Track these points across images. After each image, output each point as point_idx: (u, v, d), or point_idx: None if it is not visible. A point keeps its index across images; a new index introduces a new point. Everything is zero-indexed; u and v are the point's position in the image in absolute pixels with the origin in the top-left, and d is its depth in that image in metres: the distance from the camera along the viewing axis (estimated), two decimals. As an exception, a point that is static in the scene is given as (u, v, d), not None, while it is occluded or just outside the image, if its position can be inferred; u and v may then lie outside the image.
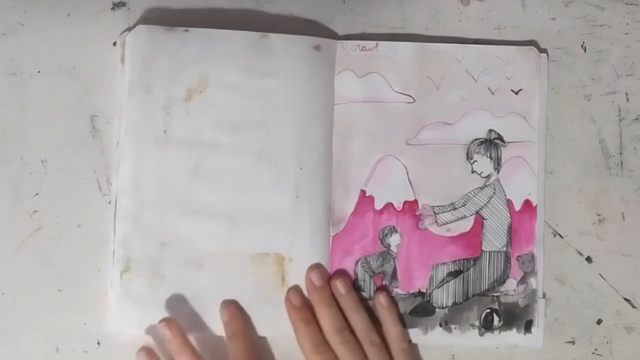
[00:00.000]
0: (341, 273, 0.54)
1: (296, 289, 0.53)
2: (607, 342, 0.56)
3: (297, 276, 0.53)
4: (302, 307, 0.53)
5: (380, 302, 0.54)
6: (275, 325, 0.53)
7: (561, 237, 0.56)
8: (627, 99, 0.57)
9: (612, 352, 0.56)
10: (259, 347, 0.54)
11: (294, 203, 0.53)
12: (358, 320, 0.53)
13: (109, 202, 0.54)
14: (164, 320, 0.51)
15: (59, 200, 0.54)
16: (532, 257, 0.55)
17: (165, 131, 0.53)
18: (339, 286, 0.53)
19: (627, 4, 0.57)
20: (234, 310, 0.52)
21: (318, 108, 0.54)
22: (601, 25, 0.57)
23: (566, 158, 0.56)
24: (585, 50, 0.57)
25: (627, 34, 0.57)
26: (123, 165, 0.53)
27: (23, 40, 0.55)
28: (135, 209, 0.53)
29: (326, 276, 0.54)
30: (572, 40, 0.57)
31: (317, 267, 0.54)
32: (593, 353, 0.56)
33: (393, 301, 0.54)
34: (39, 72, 0.55)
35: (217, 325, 0.53)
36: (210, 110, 0.53)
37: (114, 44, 0.55)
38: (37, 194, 0.54)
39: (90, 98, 0.55)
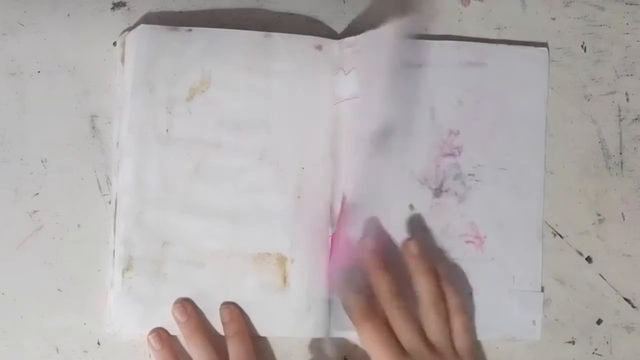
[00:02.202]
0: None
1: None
2: (607, 342, 0.56)
3: (299, 276, 0.53)
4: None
5: (410, 250, 0.52)
6: (275, 325, 0.53)
7: (561, 237, 0.56)
8: (627, 99, 0.57)
9: (612, 352, 0.56)
10: (259, 347, 0.54)
11: (295, 203, 0.53)
12: (427, 284, 0.50)
13: (109, 202, 0.54)
14: (181, 302, 0.52)
15: (59, 200, 0.54)
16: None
17: (167, 130, 0.53)
18: (412, 247, 0.52)
19: (627, 4, 0.57)
20: (235, 311, 0.52)
21: (319, 108, 0.54)
22: (601, 25, 0.57)
23: (566, 158, 0.56)
24: (585, 50, 0.57)
25: (627, 34, 0.57)
26: (125, 163, 0.53)
27: (23, 40, 0.55)
28: (137, 207, 0.53)
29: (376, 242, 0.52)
30: (572, 40, 0.57)
31: (368, 234, 0.52)
32: (593, 353, 0.56)
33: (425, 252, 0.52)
34: (39, 72, 0.55)
35: (217, 324, 0.53)
36: (212, 109, 0.53)
37: (114, 44, 0.55)
38: (37, 194, 0.54)
39: (90, 98, 0.55)
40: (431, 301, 0.50)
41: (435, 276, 0.51)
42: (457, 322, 0.51)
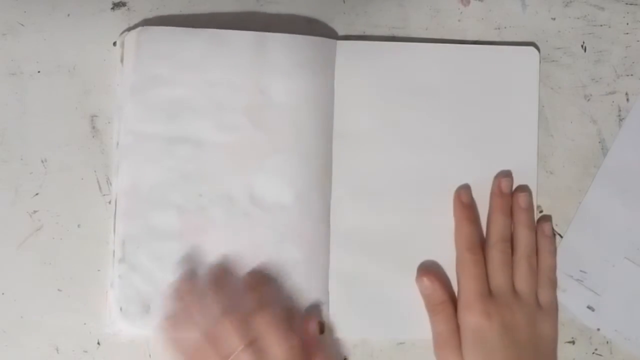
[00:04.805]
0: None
1: (467, 187, 0.55)
2: (607, 342, 0.56)
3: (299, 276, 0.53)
4: (470, 206, 0.54)
5: (544, 231, 0.55)
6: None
7: (561, 237, 0.56)
8: (627, 99, 0.57)
9: (612, 352, 0.56)
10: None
11: (295, 203, 0.53)
12: (526, 237, 0.53)
13: (109, 202, 0.54)
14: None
15: (59, 200, 0.54)
16: None
17: (167, 130, 0.53)
18: (521, 199, 0.54)
19: (627, 4, 0.57)
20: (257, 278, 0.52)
21: (318, 108, 0.54)
22: (601, 25, 0.57)
23: (566, 158, 0.56)
24: (585, 50, 0.57)
25: (627, 34, 0.57)
26: (123, 165, 0.53)
27: (23, 40, 0.55)
28: (137, 207, 0.53)
29: (512, 187, 0.55)
30: (572, 40, 0.57)
31: (507, 175, 0.55)
32: (593, 353, 0.56)
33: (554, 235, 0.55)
34: (39, 72, 0.55)
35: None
36: (213, 109, 0.53)
37: (114, 44, 0.55)
38: (37, 194, 0.54)
39: (90, 98, 0.55)
40: (526, 253, 0.53)
41: (535, 232, 0.54)
42: (545, 278, 0.54)
